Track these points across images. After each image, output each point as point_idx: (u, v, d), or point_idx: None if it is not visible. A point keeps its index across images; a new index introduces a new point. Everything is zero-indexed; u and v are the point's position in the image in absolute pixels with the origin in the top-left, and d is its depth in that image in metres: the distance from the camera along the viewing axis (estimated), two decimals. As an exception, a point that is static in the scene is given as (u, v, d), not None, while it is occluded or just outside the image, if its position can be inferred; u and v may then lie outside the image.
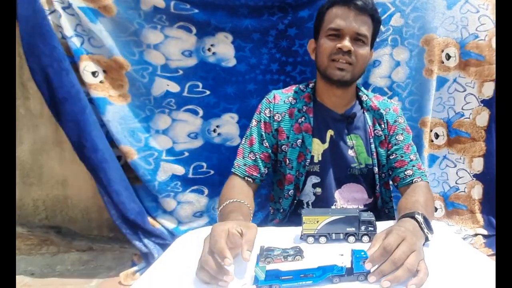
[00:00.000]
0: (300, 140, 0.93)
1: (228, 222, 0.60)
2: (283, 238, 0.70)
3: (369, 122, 0.96)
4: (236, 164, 0.95)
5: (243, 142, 0.98)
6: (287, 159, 0.94)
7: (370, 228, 0.68)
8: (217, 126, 1.30)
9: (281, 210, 0.96)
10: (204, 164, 1.31)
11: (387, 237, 0.57)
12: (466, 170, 1.39)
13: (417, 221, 0.66)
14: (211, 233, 0.57)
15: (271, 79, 1.28)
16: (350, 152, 0.95)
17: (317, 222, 0.67)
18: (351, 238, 0.68)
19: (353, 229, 0.67)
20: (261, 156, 0.95)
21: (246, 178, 0.93)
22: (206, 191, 1.33)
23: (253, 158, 0.94)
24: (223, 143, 1.31)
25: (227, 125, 1.30)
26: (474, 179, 1.39)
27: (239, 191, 0.88)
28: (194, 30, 1.22)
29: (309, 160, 0.92)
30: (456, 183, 1.39)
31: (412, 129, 1.28)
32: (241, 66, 1.25)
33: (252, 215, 0.81)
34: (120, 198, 1.21)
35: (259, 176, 0.94)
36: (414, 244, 0.57)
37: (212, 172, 1.32)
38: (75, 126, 1.15)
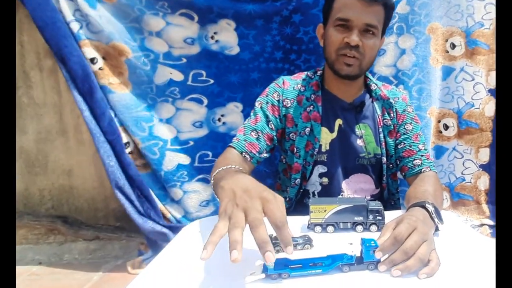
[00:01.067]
0: (308, 129, 0.91)
1: (260, 187, 0.52)
2: (289, 228, 0.70)
3: (378, 111, 0.94)
4: (235, 139, 0.89)
5: (245, 122, 0.93)
6: (294, 148, 0.92)
7: (378, 218, 0.67)
8: (222, 115, 1.30)
9: (287, 199, 0.96)
10: (210, 153, 1.31)
11: (398, 226, 0.56)
12: (472, 161, 1.38)
13: (427, 210, 0.64)
14: (273, 205, 0.48)
15: (275, 67, 1.27)
16: (359, 142, 0.93)
17: (325, 211, 0.66)
18: (359, 227, 0.67)
19: (361, 218, 0.67)
20: (265, 136, 0.90)
21: (243, 153, 0.86)
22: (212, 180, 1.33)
23: (256, 136, 0.89)
24: (228, 132, 1.31)
25: (232, 114, 1.30)
26: (481, 169, 1.38)
27: (235, 161, 0.80)
28: (196, 17, 1.20)
29: (317, 149, 0.91)
30: (462, 173, 1.38)
31: (421, 119, 1.28)
32: (244, 54, 1.24)
33: None
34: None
35: (257, 155, 0.88)
36: (426, 234, 0.56)
37: (217, 161, 1.32)
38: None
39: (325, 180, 0.93)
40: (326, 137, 0.92)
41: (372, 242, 0.54)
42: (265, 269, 0.51)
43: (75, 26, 1.15)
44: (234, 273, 0.52)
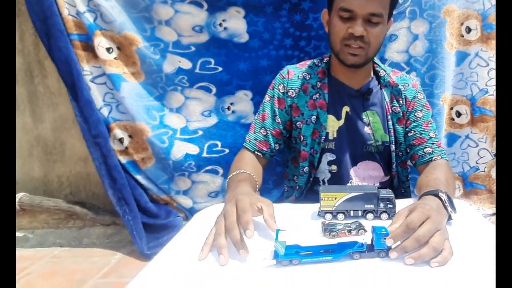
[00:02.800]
0: (314, 117, 0.92)
1: (251, 195, 0.65)
2: (300, 215, 0.71)
3: (387, 99, 0.93)
4: (247, 138, 0.96)
5: (255, 117, 0.98)
6: (301, 136, 0.93)
7: (389, 206, 0.67)
8: (231, 104, 1.30)
9: (297, 187, 0.97)
10: (219, 143, 1.32)
11: (410, 214, 0.56)
12: (487, 150, 1.35)
13: (440, 199, 0.64)
14: (237, 202, 0.60)
15: (285, 55, 1.26)
16: (366, 129, 0.93)
17: (335, 199, 0.67)
18: (370, 215, 0.67)
19: (372, 206, 0.67)
20: (273, 132, 0.95)
21: (256, 152, 0.94)
22: (221, 171, 1.34)
23: (264, 134, 0.95)
24: (238, 121, 1.31)
25: (241, 103, 1.30)
26: (495, 158, 1.35)
27: (248, 164, 0.90)
28: (205, 5, 1.20)
29: (324, 137, 0.91)
30: (476, 163, 1.36)
31: (433, 106, 1.26)
32: (253, 41, 1.23)
33: (258, 189, 0.84)
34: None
35: (268, 151, 0.95)
36: (439, 223, 0.56)
37: (227, 150, 1.32)
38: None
39: (334, 167, 0.94)
40: (333, 124, 0.92)
41: (383, 230, 0.54)
42: (276, 255, 0.53)
43: (89, 17, 1.17)
44: (245, 259, 0.54)
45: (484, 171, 1.37)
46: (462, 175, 1.39)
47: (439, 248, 0.52)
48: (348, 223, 0.62)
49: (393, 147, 0.93)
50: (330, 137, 0.92)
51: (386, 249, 0.54)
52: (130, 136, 1.29)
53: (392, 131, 0.93)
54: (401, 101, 0.93)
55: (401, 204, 0.67)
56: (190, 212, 1.36)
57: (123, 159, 1.29)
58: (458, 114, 1.35)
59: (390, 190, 0.69)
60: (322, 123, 0.91)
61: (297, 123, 0.94)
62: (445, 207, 0.63)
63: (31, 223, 1.47)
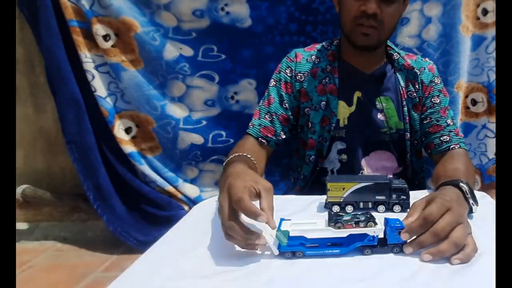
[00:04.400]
0: (324, 103, 0.86)
1: (245, 177, 0.53)
2: (305, 207, 0.67)
3: (402, 83, 0.87)
4: (251, 124, 0.89)
5: (260, 103, 0.92)
6: (309, 123, 0.88)
7: (402, 197, 0.62)
8: (235, 93, 1.26)
9: (302, 177, 0.93)
10: (223, 133, 1.28)
11: (429, 206, 0.50)
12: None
13: (461, 190, 0.58)
14: (228, 191, 0.49)
15: (290, 41, 1.20)
16: (380, 116, 0.87)
17: (343, 189, 0.62)
18: (381, 207, 0.63)
19: (383, 197, 0.62)
20: (279, 117, 0.88)
21: (259, 139, 0.87)
22: (226, 161, 1.32)
23: (270, 119, 0.88)
24: (242, 111, 1.27)
25: (245, 92, 1.25)
26: (495, 159, 1.27)
27: (248, 148, 0.82)
28: (206, -12, 1.15)
29: (334, 125, 0.86)
30: (495, 154, 1.28)
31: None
32: (257, 27, 1.18)
33: (259, 174, 0.76)
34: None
35: (274, 138, 0.87)
36: (461, 216, 0.50)
37: (232, 141, 1.29)
38: None
39: (344, 157, 0.89)
40: (344, 111, 0.87)
41: (397, 222, 0.49)
42: (279, 246, 0.49)
43: (86, 3, 1.13)
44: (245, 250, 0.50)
45: (502, 163, 1.30)
46: (480, 168, 1.32)
47: (461, 243, 0.47)
48: (357, 214, 0.56)
49: (408, 135, 0.88)
50: (341, 125, 0.87)
51: (401, 244, 0.48)
52: (137, 126, 1.27)
53: (407, 118, 0.87)
54: (417, 86, 0.87)
55: (416, 195, 0.62)
56: (194, 203, 1.33)
57: (127, 149, 1.26)
58: (474, 103, 1.28)
59: (403, 180, 0.64)
60: (332, 109, 0.86)
61: (305, 110, 0.89)
62: (467, 199, 0.57)
63: (35, 215, 1.46)
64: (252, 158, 0.74)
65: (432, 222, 0.48)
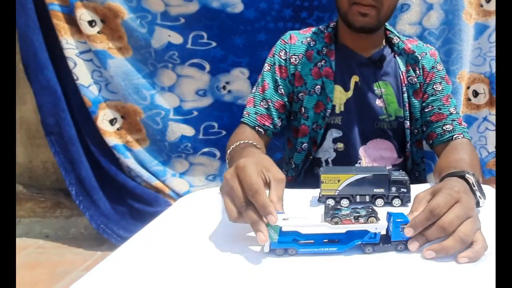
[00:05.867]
0: (319, 87, 0.80)
1: (258, 160, 0.48)
2: (297, 201, 0.61)
3: (402, 68, 0.82)
4: (245, 112, 0.83)
5: (254, 90, 0.86)
6: (302, 108, 0.82)
7: (402, 190, 0.57)
8: (227, 83, 1.20)
9: (293, 166, 0.87)
10: (215, 124, 1.23)
11: (435, 197, 0.45)
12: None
13: (468, 182, 0.53)
14: (241, 175, 0.44)
15: (284, 27, 1.14)
16: (378, 102, 0.82)
17: (338, 181, 0.57)
18: (379, 201, 0.58)
19: (382, 190, 0.57)
20: (275, 104, 0.82)
21: (256, 128, 0.81)
22: (218, 153, 1.26)
23: (266, 106, 0.82)
24: (234, 102, 1.21)
25: (238, 81, 1.20)
26: (495, 155, 1.23)
27: (249, 137, 0.76)
28: (195, -30, 1.09)
29: (329, 111, 0.80)
30: (495, 148, 1.24)
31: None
32: (249, 12, 1.12)
33: None
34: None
35: (271, 127, 0.82)
36: (471, 209, 0.45)
37: (224, 132, 1.24)
38: None
39: (340, 145, 0.83)
40: (340, 96, 0.81)
41: (402, 217, 0.44)
42: (272, 243, 0.43)
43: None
44: (235, 246, 0.45)
45: (503, 157, 1.26)
46: (481, 162, 1.27)
47: (469, 239, 0.42)
48: (357, 208, 0.50)
49: (407, 123, 0.82)
50: (337, 111, 0.81)
51: (406, 241, 0.43)
52: (122, 117, 1.21)
53: (407, 105, 0.81)
54: (418, 71, 0.82)
55: (417, 189, 0.56)
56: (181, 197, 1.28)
57: (111, 142, 1.20)
58: (475, 94, 1.23)
59: (404, 172, 0.59)
60: (327, 94, 0.80)
61: (299, 95, 0.83)
62: (473, 192, 0.52)
63: (17, 211, 1.39)
64: (259, 146, 0.69)
65: (438, 215, 0.43)
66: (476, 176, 0.56)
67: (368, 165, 0.83)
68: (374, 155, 0.83)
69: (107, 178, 1.21)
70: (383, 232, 0.44)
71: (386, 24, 0.87)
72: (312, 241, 0.44)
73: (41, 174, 1.36)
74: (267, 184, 0.46)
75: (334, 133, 0.82)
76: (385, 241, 0.44)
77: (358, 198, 0.58)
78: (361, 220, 0.45)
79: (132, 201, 1.22)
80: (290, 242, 0.43)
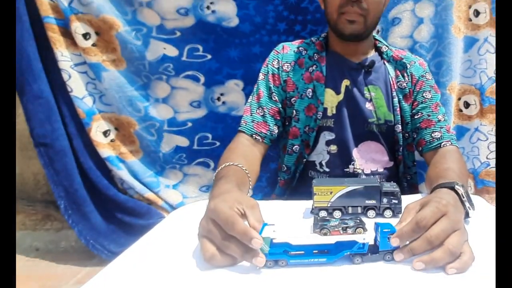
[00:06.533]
0: (310, 90, 0.83)
1: (227, 198, 0.49)
2: (290, 213, 0.62)
3: (391, 73, 0.85)
4: (243, 121, 0.86)
5: (250, 100, 0.89)
6: (294, 111, 0.85)
7: (394, 201, 0.58)
8: (221, 94, 1.21)
9: (284, 169, 0.88)
10: (209, 135, 1.23)
11: (422, 209, 0.47)
12: (498, 143, 1.26)
13: (457, 193, 0.54)
14: (214, 216, 0.46)
15: (278, 40, 1.16)
16: (368, 105, 0.84)
17: (331, 193, 0.58)
18: (371, 212, 0.59)
19: (374, 201, 0.58)
20: (270, 111, 0.85)
21: (254, 136, 0.84)
22: (212, 164, 1.26)
23: (261, 114, 0.85)
24: (229, 113, 1.22)
25: (232, 93, 1.20)
26: (495, 158, 1.24)
27: (239, 154, 0.78)
28: (191, -14, 1.11)
29: (321, 113, 0.82)
30: (487, 158, 1.25)
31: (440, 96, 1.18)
32: (244, 26, 1.14)
33: (252, 182, 0.70)
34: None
35: (268, 133, 0.84)
36: (458, 222, 0.46)
37: (218, 143, 1.24)
38: None
39: (333, 148, 0.84)
40: (331, 99, 0.83)
41: (389, 227, 0.45)
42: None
43: (64, 0, 1.07)
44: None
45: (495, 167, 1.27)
46: (473, 172, 1.28)
47: (457, 251, 0.43)
48: (345, 219, 0.52)
49: (399, 127, 0.85)
50: (329, 114, 0.84)
51: (393, 251, 0.44)
52: (116, 129, 1.20)
53: (398, 109, 0.84)
54: (406, 78, 0.86)
55: (408, 199, 0.57)
56: (174, 209, 1.27)
57: (104, 153, 1.19)
58: (467, 105, 1.25)
59: (395, 183, 0.60)
60: (318, 97, 0.82)
61: (292, 100, 0.86)
62: (463, 203, 0.53)
63: (7, 225, 1.36)
64: (243, 168, 0.69)
65: (424, 227, 0.44)
66: (465, 186, 0.58)
67: (361, 165, 0.84)
68: (366, 158, 0.85)
69: (98, 191, 1.19)
70: (371, 242, 0.45)
71: (375, 35, 0.91)
72: (303, 252, 0.44)
73: (32, 186, 1.34)
74: (243, 215, 0.47)
75: (327, 136, 0.84)
76: (373, 251, 0.45)
77: (350, 210, 0.59)
78: (349, 231, 0.47)
79: (123, 215, 1.20)
80: (280, 254, 0.43)
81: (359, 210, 0.59)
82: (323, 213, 0.58)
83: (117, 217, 1.20)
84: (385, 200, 0.58)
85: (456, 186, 0.55)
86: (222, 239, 0.44)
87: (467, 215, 0.54)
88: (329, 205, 0.58)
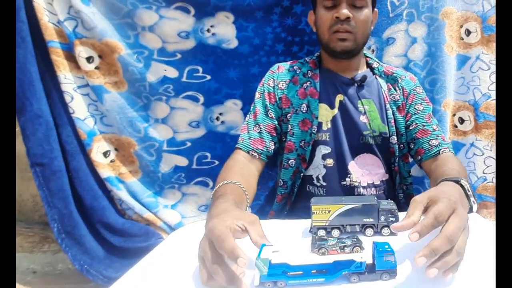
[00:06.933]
0: (305, 105, 0.86)
1: (225, 217, 0.50)
2: (289, 232, 0.62)
3: (384, 87, 0.89)
4: (240, 139, 0.89)
5: (247, 118, 0.92)
6: (289, 126, 0.87)
7: (391, 219, 0.59)
8: (220, 114, 1.22)
9: (281, 184, 0.89)
10: (208, 155, 1.24)
11: (437, 205, 0.47)
12: (493, 158, 1.26)
13: (463, 187, 0.56)
14: (210, 235, 0.47)
15: (277, 61, 1.18)
16: (362, 118, 0.87)
17: (329, 212, 0.59)
18: (369, 231, 0.59)
19: (371, 220, 0.59)
20: (266, 128, 0.89)
21: (250, 152, 0.86)
22: (210, 183, 1.26)
23: (258, 131, 0.88)
24: (227, 132, 1.23)
25: (231, 113, 1.22)
26: (495, 166, 1.25)
27: (236, 171, 0.79)
28: (192, 11, 1.14)
29: (316, 127, 0.84)
30: (483, 172, 1.26)
31: (435, 113, 1.19)
32: (243, 47, 1.17)
33: (249, 199, 0.72)
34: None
35: (265, 150, 0.87)
36: (465, 220, 0.47)
37: (216, 162, 1.24)
38: None
39: (329, 161, 0.86)
40: (326, 114, 0.86)
41: (386, 246, 0.45)
42: (261, 276, 0.44)
43: (69, 25, 1.11)
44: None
45: (492, 182, 1.27)
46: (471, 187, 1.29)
47: (463, 253, 0.44)
48: (342, 238, 0.52)
49: (395, 138, 0.87)
50: (324, 127, 0.86)
51: (390, 270, 0.44)
52: (116, 149, 1.21)
53: (392, 121, 0.87)
54: (398, 91, 0.89)
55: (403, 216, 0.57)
56: (175, 231, 1.25)
57: (104, 174, 1.19)
58: (461, 121, 1.27)
59: (392, 201, 0.61)
60: (312, 111, 0.85)
61: (288, 115, 0.88)
62: (468, 197, 0.56)
63: (4, 247, 1.34)
64: (241, 185, 0.71)
65: (442, 222, 0.45)
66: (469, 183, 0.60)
67: (358, 178, 0.85)
68: (362, 170, 0.86)
69: (93, 214, 1.17)
70: (369, 261, 0.45)
71: (366, 53, 0.95)
72: (301, 272, 0.44)
73: (30, 208, 1.34)
74: (244, 232, 0.48)
75: (323, 150, 0.86)
76: (370, 270, 0.45)
77: (348, 228, 0.60)
78: (347, 250, 0.48)
79: (119, 238, 1.18)
80: (279, 275, 0.43)
81: (357, 228, 0.60)
82: (321, 232, 0.59)
83: (112, 241, 1.17)
84: (382, 218, 0.59)
85: (462, 181, 0.57)
86: (212, 263, 0.44)
87: (470, 209, 0.57)
88: (327, 224, 0.59)
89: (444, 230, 0.44)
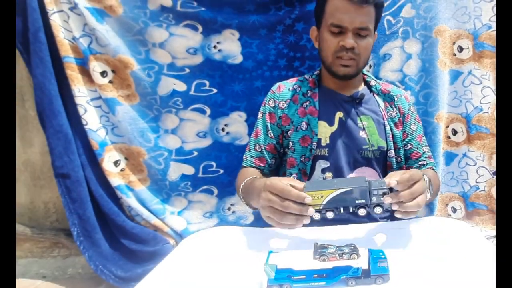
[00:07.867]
0: (304, 123, 0.92)
1: (274, 179, 0.64)
2: (293, 239, 0.67)
3: (381, 105, 0.95)
4: (244, 157, 0.99)
5: (251, 137, 1.01)
6: (290, 143, 0.93)
7: (382, 198, 0.60)
8: (226, 125, 1.29)
9: None
10: (214, 164, 1.30)
11: (410, 170, 0.63)
12: (486, 168, 1.32)
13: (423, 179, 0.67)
14: (272, 190, 0.61)
15: (279, 75, 1.26)
16: (362, 134, 0.93)
17: (321, 197, 0.61)
18: (362, 211, 0.61)
19: (363, 201, 0.60)
20: (267, 147, 0.96)
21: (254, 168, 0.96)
22: (215, 191, 1.32)
23: (259, 150, 0.96)
24: (232, 142, 1.30)
25: (236, 124, 1.29)
26: (494, 176, 1.32)
27: (252, 173, 0.91)
28: (200, 28, 1.21)
29: (315, 143, 0.90)
30: (476, 182, 1.32)
31: (428, 125, 1.27)
32: (248, 62, 1.24)
33: None
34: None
35: (266, 166, 0.97)
36: (426, 188, 0.64)
37: (221, 171, 1.30)
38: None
39: (328, 175, 0.91)
40: (325, 130, 0.91)
41: (380, 253, 0.51)
42: (269, 279, 0.49)
43: (84, 42, 1.17)
44: (238, 284, 0.50)
45: (485, 190, 1.33)
46: (463, 195, 1.35)
47: (421, 206, 0.61)
48: (341, 246, 0.58)
49: (392, 152, 0.93)
50: (323, 143, 0.91)
51: (384, 275, 0.50)
52: (126, 158, 1.27)
53: (390, 136, 0.93)
54: (394, 109, 0.96)
55: (394, 225, 0.65)
56: (181, 236, 1.30)
57: (115, 182, 1.24)
58: (454, 132, 1.33)
59: (383, 181, 0.62)
60: (312, 129, 0.91)
61: (288, 132, 0.94)
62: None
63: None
64: (261, 177, 0.85)
65: (414, 180, 0.61)
66: (435, 194, 0.78)
67: None
68: None
69: (107, 219, 1.23)
70: (365, 266, 0.51)
71: (364, 71, 1.01)
72: (304, 276, 0.50)
73: (41, 215, 1.38)
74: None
75: (322, 164, 0.91)
76: (366, 275, 0.50)
77: (342, 210, 0.61)
78: (345, 256, 0.55)
79: (129, 241, 1.24)
80: (285, 278, 0.49)
81: (350, 209, 0.61)
82: (317, 215, 0.60)
83: (124, 244, 1.24)
84: (374, 198, 0.60)
85: (424, 176, 0.67)
86: (281, 202, 0.59)
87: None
88: (321, 207, 0.61)
89: (412, 188, 0.60)
